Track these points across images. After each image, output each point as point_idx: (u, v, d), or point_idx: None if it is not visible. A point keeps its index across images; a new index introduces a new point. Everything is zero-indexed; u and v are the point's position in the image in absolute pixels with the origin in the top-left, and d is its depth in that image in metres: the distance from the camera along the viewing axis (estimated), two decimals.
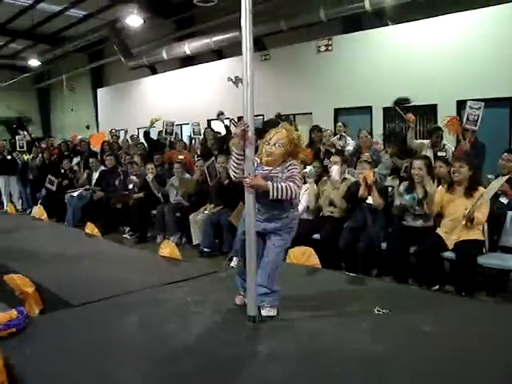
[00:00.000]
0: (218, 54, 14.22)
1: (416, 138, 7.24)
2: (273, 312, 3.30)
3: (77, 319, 3.40)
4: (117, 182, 8.97)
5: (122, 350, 2.86)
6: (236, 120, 9.48)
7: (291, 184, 3.09)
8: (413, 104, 9.34)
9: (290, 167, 3.18)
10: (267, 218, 3.24)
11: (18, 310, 3.25)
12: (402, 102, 7.08)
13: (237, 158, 3.09)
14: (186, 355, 2.77)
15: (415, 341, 2.93)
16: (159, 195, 8.07)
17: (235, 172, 3.13)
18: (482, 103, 6.15)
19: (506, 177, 5.13)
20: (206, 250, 6.91)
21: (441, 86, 9.18)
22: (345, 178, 5.87)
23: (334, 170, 5.82)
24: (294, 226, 3.36)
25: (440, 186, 5.19)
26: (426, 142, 6.87)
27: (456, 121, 6.32)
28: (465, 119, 6.15)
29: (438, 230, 5.07)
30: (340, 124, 8.44)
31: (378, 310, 3.39)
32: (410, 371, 2.54)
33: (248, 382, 2.49)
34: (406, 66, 9.76)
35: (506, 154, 5.52)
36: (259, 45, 12.89)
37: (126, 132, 11.80)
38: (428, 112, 9.67)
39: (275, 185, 3.07)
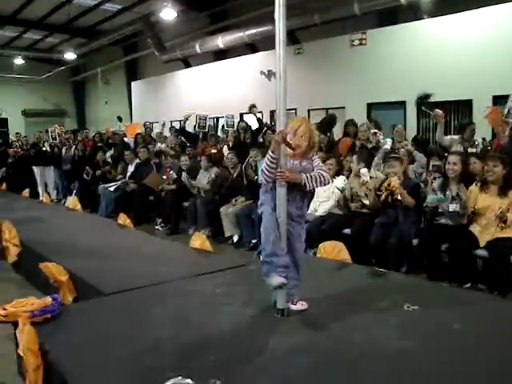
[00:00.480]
0: (251, 47, 14.23)
1: (446, 134, 7.09)
2: (305, 305, 3.32)
3: (109, 307, 3.47)
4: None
5: (151, 338, 2.91)
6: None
7: (323, 173, 3.20)
8: (447, 99, 9.29)
9: (314, 158, 3.27)
10: (294, 206, 3.27)
11: (52, 297, 3.34)
12: (424, 100, 6.95)
13: (271, 162, 3.10)
14: (213, 346, 2.81)
15: (443, 338, 2.91)
16: (194, 191, 8.15)
17: (268, 176, 3.14)
18: None
19: None
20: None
21: (476, 80, 9.01)
22: (371, 177, 5.81)
23: (365, 173, 5.77)
24: None
25: (473, 185, 5.10)
26: (456, 137, 6.76)
27: (498, 112, 6.15)
28: (505, 111, 6.00)
29: (471, 228, 4.99)
30: (368, 124, 7.83)
31: (408, 307, 3.37)
32: (436, 369, 2.52)
33: (274, 374, 2.51)
34: (441, 60, 9.61)
35: None
36: (292, 38, 12.87)
37: (164, 125, 11.89)
38: (463, 107, 9.51)
39: (309, 175, 3.15)
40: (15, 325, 3.08)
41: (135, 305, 3.49)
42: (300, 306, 3.30)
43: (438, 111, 6.48)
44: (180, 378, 0.48)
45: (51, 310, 3.25)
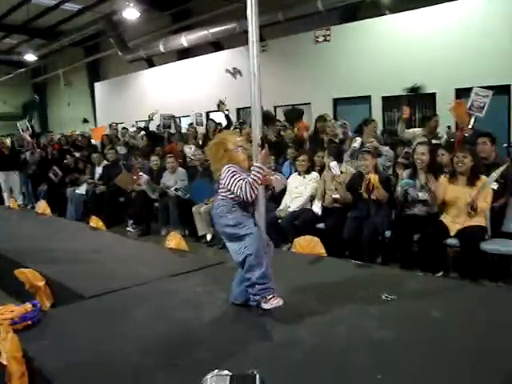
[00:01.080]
0: (215, 45, 14.21)
1: (409, 128, 7.27)
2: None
3: (90, 311, 3.45)
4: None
5: (135, 339, 2.91)
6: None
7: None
8: (411, 93, 9.48)
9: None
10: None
11: (32, 303, 3.30)
12: (413, 91, 7.12)
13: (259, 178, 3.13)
14: (199, 344, 2.83)
15: (424, 326, 2.99)
16: (154, 196, 8.14)
17: (254, 194, 3.15)
18: (491, 91, 6.13)
19: (505, 165, 5.17)
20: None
21: (439, 74, 9.22)
22: (341, 172, 5.90)
23: (334, 167, 5.86)
24: None
25: (442, 176, 5.23)
26: (418, 130, 6.93)
27: (462, 105, 6.32)
28: (469, 105, 6.16)
29: (442, 218, 5.11)
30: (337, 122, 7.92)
31: (386, 297, 3.45)
32: (418, 355, 2.60)
33: (265, 367, 2.53)
34: (405, 54, 9.80)
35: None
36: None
37: (133, 126, 11.84)
38: (427, 100, 9.71)
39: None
40: None
41: (117, 307, 3.48)
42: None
43: (406, 108, 6.67)
44: (217, 370, 0.49)
45: (32, 316, 3.21)
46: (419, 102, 9.88)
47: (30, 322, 3.17)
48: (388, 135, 7.58)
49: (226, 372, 0.51)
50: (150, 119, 10.44)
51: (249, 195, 3.10)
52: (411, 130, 7.06)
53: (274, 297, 3.15)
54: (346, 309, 3.29)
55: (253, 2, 3.18)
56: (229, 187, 3.16)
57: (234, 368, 2.37)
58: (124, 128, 11.78)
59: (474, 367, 2.45)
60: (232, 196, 3.19)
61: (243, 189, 3.09)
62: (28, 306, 3.26)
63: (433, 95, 9.53)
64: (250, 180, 3.10)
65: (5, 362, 2.78)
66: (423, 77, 9.29)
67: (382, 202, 5.36)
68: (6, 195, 11.53)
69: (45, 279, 4.22)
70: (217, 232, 3.56)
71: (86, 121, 16.45)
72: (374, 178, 5.31)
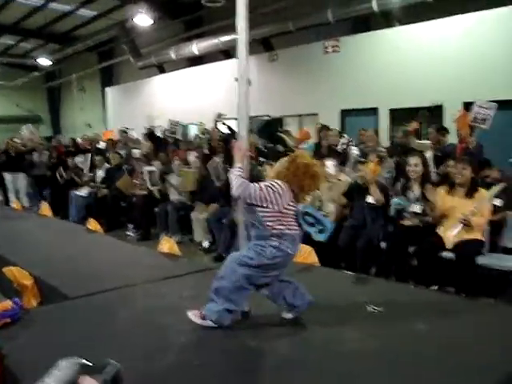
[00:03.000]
0: (225, 54, 14.25)
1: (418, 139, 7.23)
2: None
3: (73, 311, 3.43)
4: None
5: (118, 341, 2.89)
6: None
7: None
8: (420, 105, 9.42)
9: None
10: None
11: (13, 301, 3.28)
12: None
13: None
14: (181, 348, 2.80)
15: (406, 339, 2.93)
16: (152, 188, 8.11)
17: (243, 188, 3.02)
18: (495, 104, 6.07)
19: (503, 184, 5.10)
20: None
21: (447, 86, 9.14)
22: (339, 179, 5.86)
23: (330, 166, 5.82)
24: None
25: (439, 188, 5.18)
26: (428, 142, 6.87)
27: (466, 116, 6.26)
28: (472, 117, 6.10)
29: (439, 230, 5.04)
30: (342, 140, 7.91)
31: (374, 309, 3.39)
32: (395, 368, 2.55)
33: (241, 375, 2.51)
34: (413, 67, 9.74)
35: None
36: (267, 45, 12.93)
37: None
38: (434, 113, 9.62)
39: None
40: None
41: (100, 308, 3.46)
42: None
43: (414, 124, 6.65)
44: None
45: (11, 314, 3.19)
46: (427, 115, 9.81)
47: (8, 320, 3.15)
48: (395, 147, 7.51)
49: (78, 361, 0.48)
50: (152, 121, 10.49)
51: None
52: (421, 142, 7.01)
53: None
54: (327, 318, 3.24)
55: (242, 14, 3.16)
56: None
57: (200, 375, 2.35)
58: (124, 132, 11.79)
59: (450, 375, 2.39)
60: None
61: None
62: (9, 303, 3.25)
63: (440, 108, 9.44)
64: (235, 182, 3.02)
65: None
66: (431, 89, 9.22)
67: (378, 205, 5.27)
68: (11, 196, 11.60)
69: (33, 278, 4.21)
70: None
71: (89, 126, 16.55)
72: (374, 166, 5.26)
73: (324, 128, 7.95)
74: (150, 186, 8.15)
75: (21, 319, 3.21)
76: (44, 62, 19.09)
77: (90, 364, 0.44)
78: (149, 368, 2.54)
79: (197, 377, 2.50)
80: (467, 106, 8.64)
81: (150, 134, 10.60)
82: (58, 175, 10.21)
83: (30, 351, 2.78)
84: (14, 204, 9.76)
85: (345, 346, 2.80)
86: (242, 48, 3.19)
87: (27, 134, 12.34)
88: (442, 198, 5.08)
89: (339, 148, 6.57)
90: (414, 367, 2.55)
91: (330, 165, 5.83)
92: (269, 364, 2.61)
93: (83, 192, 9.39)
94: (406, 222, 5.17)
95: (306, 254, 4.70)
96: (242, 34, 3.17)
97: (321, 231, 3.11)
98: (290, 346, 2.83)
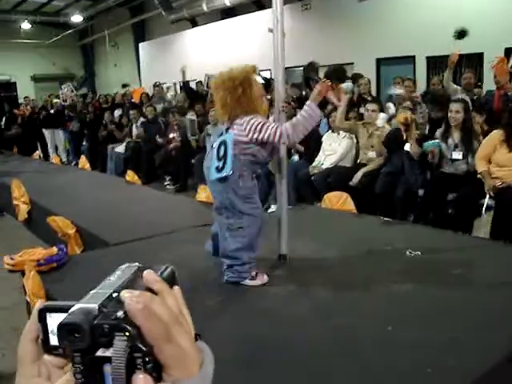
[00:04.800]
0: (257, 4, 13.99)
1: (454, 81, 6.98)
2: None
3: (113, 256, 3.53)
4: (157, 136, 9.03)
5: None
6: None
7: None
8: (458, 52, 9.10)
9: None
10: None
11: (58, 247, 3.40)
12: (460, 36, 6.80)
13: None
14: (213, 290, 2.87)
15: (443, 282, 2.92)
16: (192, 138, 8.13)
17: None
18: None
19: None
20: None
21: (487, 33, 8.78)
22: (378, 127, 5.76)
23: (380, 117, 5.75)
24: None
25: (495, 131, 4.92)
26: (459, 87, 6.66)
27: (504, 62, 6.01)
28: (511, 63, 5.88)
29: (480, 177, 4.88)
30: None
31: (410, 252, 3.39)
32: (435, 309, 2.55)
33: (275, 317, 2.56)
34: (451, 13, 9.37)
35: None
36: None
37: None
38: (474, 61, 9.31)
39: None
40: (23, 274, 3.15)
41: (139, 253, 3.54)
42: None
43: (455, 53, 6.36)
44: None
45: (57, 259, 3.32)
46: (465, 63, 9.49)
47: (55, 265, 3.27)
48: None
49: (136, 264, 0.51)
50: (183, 73, 10.50)
51: (282, 138, 2.76)
52: (456, 86, 6.77)
53: (259, 274, 2.96)
54: (365, 262, 3.27)
55: None
56: (255, 136, 2.77)
57: (240, 317, 2.40)
58: (157, 85, 11.81)
59: (484, 325, 2.38)
60: (250, 153, 2.85)
61: (285, 131, 2.75)
62: (54, 249, 3.38)
63: (480, 56, 9.12)
64: (294, 121, 2.79)
65: (29, 300, 2.89)
66: (470, 36, 8.87)
67: (415, 158, 5.18)
68: (51, 151, 11.85)
69: (75, 227, 4.33)
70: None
71: (125, 85, 16.56)
72: (405, 115, 5.15)
73: (357, 76, 7.78)
74: (189, 135, 8.17)
75: (66, 264, 3.32)
76: (76, 18, 19.10)
77: (147, 266, 0.46)
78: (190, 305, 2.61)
79: (237, 316, 2.57)
80: (508, 52, 8.35)
81: (185, 87, 10.59)
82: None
83: (75, 293, 2.87)
84: (54, 159, 9.97)
85: (381, 288, 2.82)
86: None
87: (67, 93, 12.49)
88: (493, 144, 4.81)
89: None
90: (450, 307, 2.55)
91: (383, 117, 5.76)
92: (308, 305, 2.65)
93: (121, 148, 9.50)
94: (446, 170, 5.06)
95: (343, 201, 4.69)
96: None
97: (220, 169, 2.82)
98: (329, 288, 2.86)
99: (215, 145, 2.91)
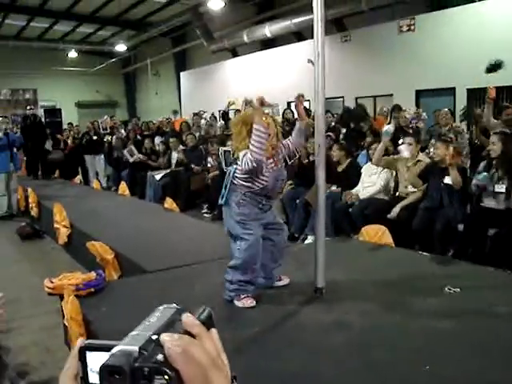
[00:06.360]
0: (297, 36, 14.16)
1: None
2: (287, 280, 3.49)
3: (150, 283, 3.56)
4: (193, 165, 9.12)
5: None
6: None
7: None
8: (501, 84, 8.99)
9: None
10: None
11: (97, 272, 3.46)
12: (494, 69, 6.69)
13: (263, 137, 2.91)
14: (254, 319, 2.86)
15: (484, 321, 2.85)
16: (226, 168, 8.18)
17: (260, 156, 2.93)
18: None
19: None
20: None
21: None
22: (419, 160, 5.69)
23: (404, 149, 5.67)
24: None
25: None
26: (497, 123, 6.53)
27: None
28: None
29: None
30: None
31: (449, 289, 3.31)
32: (472, 349, 2.49)
33: (314, 348, 2.53)
34: (492, 45, 9.27)
35: None
36: (339, 26, 12.73)
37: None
38: None
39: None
40: (62, 297, 3.21)
41: (175, 281, 3.57)
42: (284, 281, 3.45)
43: (491, 87, 6.24)
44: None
45: (95, 284, 3.36)
46: (507, 95, 9.37)
47: (93, 290, 3.32)
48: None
49: (175, 305, 0.52)
50: (229, 107, 10.61)
51: (250, 163, 2.89)
52: (498, 121, 6.65)
53: (247, 297, 3.12)
54: (404, 297, 3.21)
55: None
56: (241, 167, 2.99)
57: (276, 348, 2.39)
58: (196, 114, 12.01)
59: None
60: (247, 184, 3.08)
61: (245, 157, 2.90)
62: (93, 274, 3.43)
63: None
64: (250, 147, 2.90)
65: (66, 324, 2.93)
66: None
67: (456, 188, 5.07)
68: (91, 177, 12.10)
69: (114, 253, 4.40)
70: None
71: (175, 112, 16.86)
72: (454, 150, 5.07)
73: (396, 107, 7.77)
74: (223, 166, 8.25)
75: (103, 289, 3.37)
76: (120, 48, 19.72)
77: (184, 308, 0.47)
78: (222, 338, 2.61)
79: (272, 347, 2.56)
80: None
81: (225, 116, 10.75)
82: (126, 153, 10.49)
83: (111, 319, 2.92)
84: (94, 184, 10.18)
85: (420, 324, 2.76)
86: (317, 27, 3.13)
87: (107, 120, 12.87)
88: None
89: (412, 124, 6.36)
90: (491, 348, 2.48)
91: (404, 148, 5.68)
92: (343, 340, 2.62)
93: (160, 174, 9.64)
94: (487, 204, 4.97)
95: (380, 234, 4.64)
96: (317, 12, 3.11)
97: (222, 196, 3.21)
98: (362, 321, 2.83)
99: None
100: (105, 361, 0.48)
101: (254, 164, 2.90)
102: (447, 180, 5.14)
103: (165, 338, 0.48)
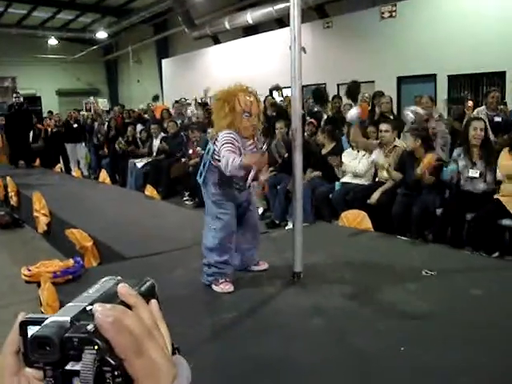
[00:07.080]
0: (279, 22, 14.10)
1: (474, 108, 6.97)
2: (265, 265, 3.48)
3: (129, 270, 3.54)
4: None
5: (167, 299, 2.97)
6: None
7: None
8: (479, 71, 9.07)
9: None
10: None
11: (75, 260, 3.44)
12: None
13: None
14: (233, 305, 2.87)
15: (460, 303, 2.89)
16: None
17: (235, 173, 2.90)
18: None
19: None
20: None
21: (510, 51, 8.73)
22: (395, 146, 5.72)
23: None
24: None
25: (503, 151, 4.93)
26: (482, 108, 6.61)
27: None
28: None
29: (499, 196, 4.85)
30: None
31: (426, 272, 3.35)
32: (449, 330, 2.52)
33: (292, 333, 2.54)
34: (473, 31, 9.33)
35: None
36: (321, 12, 12.71)
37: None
38: (495, 80, 9.25)
39: None
40: (39, 285, 3.19)
41: (155, 268, 3.55)
42: (262, 266, 3.44)
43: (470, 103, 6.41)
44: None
45: (73, 271, 3.34)
46: (487, 82, 9.45)
47: (70, 277, 3.30)
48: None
49: (116, 277, 0.51)
50: (206, 93, 10.64)
51: (228, 172, 2.85)
52: (474, 112, 6.76)
53: (225, 281, 3.10)
54: (382, 281, 3.23)
55: None
56: (220, 154, 2.91)
57: (253, 335, 2.40)
58: (177, 102, 11.95)
59: (501, 349, 2.34)
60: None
61: (227, 164, 2.80)
62: (70, 261, 3.41)
63: (502, 74, 9.06)
64: (238, 162, 2.77)
65: (43, 311, 2.92)
66: (492, 54, 8.84)
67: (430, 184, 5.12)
68: (72, 165, 12.00)
69: (92, 240, 4.37)
70: None
71: (156, 98, 16.72)
72: (429, 158, 5.06)
73: (378, 94, 7.79)
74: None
75: (81, 277, 3.35)
76: (101, 35, 19.50)
77: (126, 280, 0.46)
78: (202, 323, 2.61)
79: (250, 335, 2.56)
80: None
81: (204, 104, 10.72)
82: (116, 146, 10.43)
83: None
84: (75, 172, 10.10)
85: (399, 307, 2.79)
86: (294, 11, 3.12)
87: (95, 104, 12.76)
88: (505, 160, 4.82)
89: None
90: (467, 329, 2.52)
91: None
92: (316, 323, 2.63)
93: (141, 162, 9.59)
94: (466, 188, 5.02)
95: (360, 219, 4.67)
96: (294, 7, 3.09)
97: (200, 175, 3.16)
98: (344, 306, 2.85)
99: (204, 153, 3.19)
100: (34, 332, 0.47)
101: (228, 174, 2.87)
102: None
103: (97, 308, 0.47)
